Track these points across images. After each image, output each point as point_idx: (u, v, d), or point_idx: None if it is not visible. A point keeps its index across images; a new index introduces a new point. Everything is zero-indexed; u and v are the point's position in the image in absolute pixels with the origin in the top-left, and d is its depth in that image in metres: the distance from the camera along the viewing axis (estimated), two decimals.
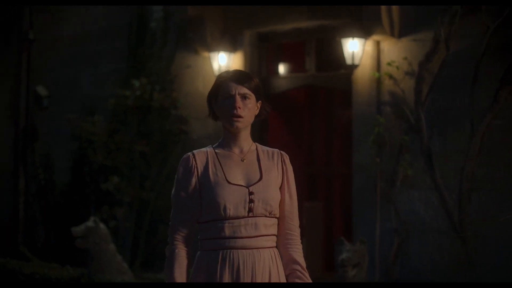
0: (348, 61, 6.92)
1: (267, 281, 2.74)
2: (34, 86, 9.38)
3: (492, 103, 6.28)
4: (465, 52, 6.47)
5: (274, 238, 2.81)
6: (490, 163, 6.34)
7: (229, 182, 2.74)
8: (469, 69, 6.38)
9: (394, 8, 6.80)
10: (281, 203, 2.82)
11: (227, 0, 7.54)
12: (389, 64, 6.82)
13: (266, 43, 8.04)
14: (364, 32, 6.89)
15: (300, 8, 7.39)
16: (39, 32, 9.43)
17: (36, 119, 9.36)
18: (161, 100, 7.99)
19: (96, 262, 6.70)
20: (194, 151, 2.82)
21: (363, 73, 7.02)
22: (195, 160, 2.78)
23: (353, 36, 6.87)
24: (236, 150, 2.82)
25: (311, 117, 9.37)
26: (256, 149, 2.86)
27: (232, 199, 2.71)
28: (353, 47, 6.89)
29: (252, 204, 2.72)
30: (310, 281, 2.81)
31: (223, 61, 7.76)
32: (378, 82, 6.92)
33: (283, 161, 2.86)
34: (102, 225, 6.81)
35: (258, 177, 2.78)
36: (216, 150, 2.82)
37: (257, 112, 2.83)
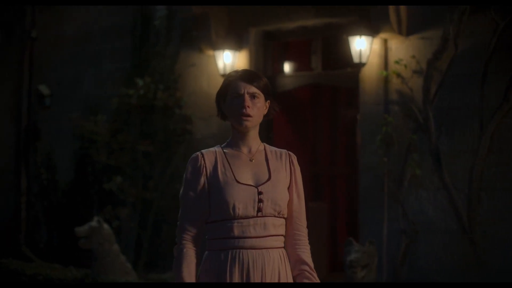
0: (355, 59, 6.85)
1: (276, 281, 2.74)
2: (36, 85, 9.32)
3: (502, 101, 6.21)
4: (474, 50, 6.40)
5: (282, 238, 2.81)
6: (500, 163, 6.27)
7: (238, 182, 2.74)
8: (478, 67, 6.32)
9: (402, 6, 6.72)
10: (289, 203, 2.82)
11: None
12: (397, 62, 6.75)
13: (271, 41, 7.97)
14: (372, 30, 6.81)
15: (307, 6, 7.31)
16: (42, 30, 9.37)
17: (38, 119, 9.30)
18: (165, 99, 7.91)
19: (99, 263, 6.64)
20: (203, 151, 2.81)
21: (371, 72, 6.94)
22: (204, 160, 2.77)
23: (360, 34, 6.79)
24: (244, 149, 2.82)
25: (316, 116, 9.30)
26: (264, 149, 2.86)
27: (241, 199, 2.71)
28: (361, 45, 6.82)
29: (261, 204, 2.73)
30: (318, 281, 2.81)
31: (228, 59, 7.68)
32: (386, 80, 6.85)
33: (291, 162, 2.86)
34: (105, 225, 6.75)
35: (266, 177, 2.78)
36: (224, 150, 2.82)
37: (265, 111, 2.82)
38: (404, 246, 6.65)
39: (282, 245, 2.80)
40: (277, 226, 2.77)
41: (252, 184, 2.75)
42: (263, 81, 2.79)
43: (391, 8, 6.67)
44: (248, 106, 2.74)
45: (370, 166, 6.90)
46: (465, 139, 6.43)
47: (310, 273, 2.80)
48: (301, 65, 8.40)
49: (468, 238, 6.33)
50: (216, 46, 7.74)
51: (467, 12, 6.33)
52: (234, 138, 2.83)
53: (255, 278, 2.70)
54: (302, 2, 7.26)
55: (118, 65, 8.67)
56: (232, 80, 2.78)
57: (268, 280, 2.71)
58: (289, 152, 2.90)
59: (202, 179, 2.76)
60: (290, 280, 2.79)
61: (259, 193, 2.73)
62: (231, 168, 2.76)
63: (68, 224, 7.97)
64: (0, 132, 9.52)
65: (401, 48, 6.81)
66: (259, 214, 2.73)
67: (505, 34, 6.19)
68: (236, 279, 2.70)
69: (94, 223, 6.69)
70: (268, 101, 2.82)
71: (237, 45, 7.73)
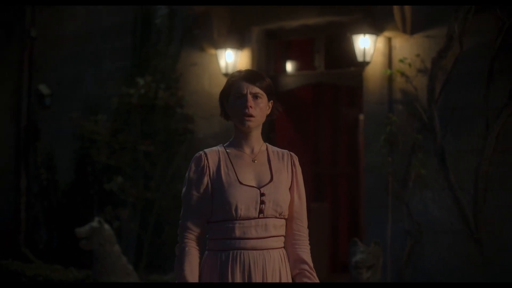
0: (359, 58, 6.78)
1: (277, 281, 2.78)
2: (36, 85, 9.28)
3: (508, 100, 6.14)
4: (480, 48, 6.33)
5: (283, 238, 2.84)
6: (506, 162, 6.20)
7: (241, 183, 2.76)
8: (484, 66, 6.24)
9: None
10: (290, 204, 2.85)
11: None
12: (401, 61, 6.68)
13: (274, 40, 7.89)
14: (376, 28, 6.74)
15: (309, 2, 7.24)
16: (42, 30, 9.33)
17: (38, 118, 9.26)
18: (166, 99, 7.84)
19: (100, 264, 6.58)
20: (206, 150, 2.83)
21: (374, 71, 6.87)
22: (207, 160, 2.80)
23: (364, 33, 6.72)
24: (247, 150, 2.84)
25: (319, 116, 9.25)
26: (267, 149, 2.88)
27: (243, 200, 2.73)
28: (364, 44, 6.75)
29: (263, 205, 2.75)
30: (317, 281, 2.84)
31: (230, 58, 7.61)
32: (390, 79, 6.78)
33: (292, 163, 2.89)
34: (106, 226, 6.69)
35: (269, 178, 2.81)
36: (227, 150, 2.84)
37: (268, 111, 2.85)
38: (408, 247, 6.58)
39: (282, 245, 2.84)
40: (278, 227, 2.80)
41: (254, 185, 2.77)
42: (266, 81, 2.81)
43: (396, 6, 6.60)
44: (251, 106, 2.76)
45: (374, 166, 6.83)
46: (471, 138, 6.36)
47: (310, 273, 2.83)
48: (304, 64, 8.34)
49: (474, 239, 6.26)
50: (218, 45, 7.67)
51: (472, 10, 6.26)
52: (236, 138, 2.85)
53: (257, 279, 2.73)
54: (304, 1, 7.19)
55: (119, 65, 8.61)
56: (235, 80, 2.80)
57: (269, 280, 2.74)
58: (291, 152, 2.92)
59: (205, 179, 2.78)
60: (290, 280, 2.82)
61: (261, 194, 2.76)
62: (234, 168, 2.79)
63: (68, 225, 7.94)
64: None
65: (405, 46, 6.74)
66: (261, 215, 2.75)
67: (511, 33, 6.11)
68: (238, 279, 2.72)
69: (95, 223, 6.63)
70: (271, 101, 2.84)
71: (239, 44, 7.65)
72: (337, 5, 7.05)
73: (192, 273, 2.74)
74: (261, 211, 2.75)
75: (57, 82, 9.19)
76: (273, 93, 2.84)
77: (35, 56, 9.35)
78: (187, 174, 2.82)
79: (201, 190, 2.78)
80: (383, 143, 6.65)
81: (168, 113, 7.95)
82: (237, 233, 2.74)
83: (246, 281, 2.72)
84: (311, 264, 2.85)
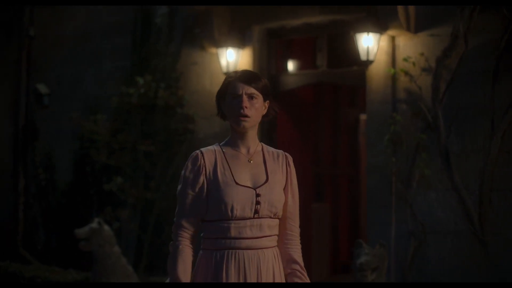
0: (363, 57, 6.70)
1: (271, 279, 2.82)
2: (34, 84, 9.22)
3: None
4: (485, 47, 6.25)
5: (276, 238, 2.89)
6: (511, 163, 6.11)
7: (237, 183, 2.80)
8: (489, 65, 6.16)
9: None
10: (284, 204, 2.89)
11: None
12: (405, 60, 6.60)
13: (275, 39, 7.81)
14: (379, 27, 6.66)
15: (312, 1, 7.16)
16: (41, 29, 9.28)
17: (37, 118, 9.20)
18: (166, 98, 7.78)
19: (100, 266, 6.50)
20: (202, 149, 2.87)
21: (378, 70, 6.79)
22: (204, 159, 2.83)
23: (368, 31, 6.64)
24: (243, 150, 2.88)
25: (321, 116, 9.18)
26: (262, 149, 2.93)
27: (239, 200, 2.77)
28: (368, 43, 6.66)
29: (259, 206, 2.80)
30: (308, 281, 2.91)
31: (231, 57, 7.53)
32: (394, 78, 6.70)
33: (287, 163, 2.93)
34: (106, 227, 6.62)
35: (264, 179, 2.85)
36: (223, 149, 2.88)
37: (264, 112, 2.89)
38: (412, 248, 6.51)
39: (276, 244, 2.89)
40: (272, 226, 2.85)
41: (250, 186, 2.81)
42: (262, 82, 2.85)
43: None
44: (246, 107, 2.80)
45: (378, 166, 6.75)
46: (476, 138, 6.28)
47: (301, 273, 2.90)
48: (306, 63, 8.27)
49: (479, 240, 6.18)
50: (219, 44, 7.59)
51: (478, 9, 6.18)
52: (233, 137, 2.89)
53: (252, 277, 2.77)
54: (305, 1, 7.11)
55: (119, 64, 8.55)
56: (231, 81, 2.84)
57: (264, 279, 2.79)
58: (286, 153, 2.97)
59: (201, 178, 2.82)
60: (283, 278, 2.89)
61: (257, 195, 2.80)
62: (230, 169, 2.83)
63: (67, 226, 7.90)
64: None
65: (409, 45, 6.67)
66: (256, 215, 2.80)
67: None
68: (233, 278, 2.76)
69: (94, 224, 6.56)
70: (268, 101, 2.88)
71: (240, 43, 7.57)
72: (339, 5, 6.97)
73: (184, 272, 2.78)
74: (256, 211, 2.79)
75: (57, 82, 9.13)
76: (269, 93, 2.87)
77: (34, 56, 9.29)
78: (183, 172, 2.85)
79: (197, 189, 2.81)
80: (386, 143, 6.58)
81: (168, 113, 7.89)
82: (232, 232, 2.77)
83: (241, 280, 2.76)
84: (302, 264, 2.92)
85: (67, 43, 9.11)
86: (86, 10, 8.98)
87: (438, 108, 6.39)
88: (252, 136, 2.88)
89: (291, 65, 8.36)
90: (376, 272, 5.25)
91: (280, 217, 2.88)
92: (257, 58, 7.67)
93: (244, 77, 2.84)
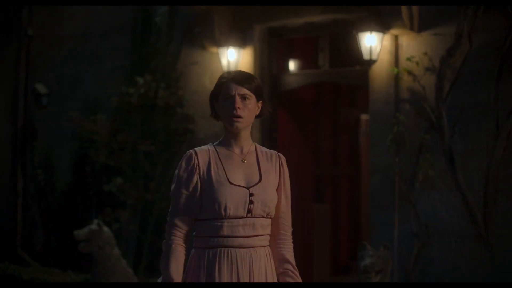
0: (366, 56, 6.63)
1: (264, 278, 2.85)
2: (33, 84, 9.17)
3: None
4: (489, 46, 6.18)
5: (268, 237, 2.92)
6: None
7: (230, 183, 2.83)
8: (493, 64, 6.10)
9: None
10: (277, 204, 2.92)
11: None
12: (408, 59, 6.54)
13: (277, 38, 7.75)
14: (382, 26, 6.60)
15: (314, 1, 7.09)
16: (39, 28, 9.24)
17: (35, 118, 9.16)
18: (166, 98, 7.72)
19: (100, 268, 6.42)
20: (196, 149, 2.90)
21: (381, 69, 6.73)
22: (198, 158, 2.86)
23: (370, 30, 6.57)
24: (236, 150, 2.91)
25: (322, 116, 9.13)
26: (256, 149, 2.96)
27: (232, 199, 2.80)
28: (371, 42, 6.60)
29: (252, 205, 2.83)
30: (300, 280, 2.95)
31: (232, 57, 7.46)
32: (397, 78, 6.65)
33: (280, 164, 2.96)
34: (106, 229, 6.55)
35: (257, 178, 2.88)
36: (217, 149, 2.91)
37: (258, 112, 2.92)
38: (416, 250, 6.45)
39: (268, 243, 2.92)
40: (265, 226, 2.88)
41: (243, 185, 2.84)
42: (255, 82, 2.88)
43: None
44: (239, 107, 2.83)
45: (380, 167, 6.69)
46: (480, 138, 6.23)
47: (293, 272, 2.94)
48: (307, 63, 8.21)
49: (483, 241, 6.12)
50: (220, 43, 7.52)
51: (482, 8, 6.12)
52: (226, 138, 2.91)
53: (244, 276, 2.80)
54: (307, 1, 7.05)
55: (118, 64, 8.50)
56: (224, 82, 2.88)
57: (256, 277, 2.82)
58: (279, 153, 3.00)
59: (195, 178, 2.84)
60: (275, 277, 2.92)
61: (250, 194, 2.83)
62: (224, 168, 2.86)
63: (66, 227, 7.84)
64: None
65: (412, 44, 6.60)
66: (249, 215, 2.83)
67: None
68: (225, 277, 2.79)
69: (94, 226, 6.49)
70: (261, 101, 2.91)
71: (241, 42, 7.51)
72: (341, 4, 6.91)
73: (177, 270, 2.81)
74: (249, 210, 2.82)
75: (56, 82, 9.09)
76: (262, 94, 2.90)
77: (33, 55, 9.25)
78: (177, 171, 2.88)
79: (191, 188, 2.84)
80: (389, 143, 6.53)
81: (168, 113, 7.83)
82: (225, 231, 2.80)
83: (234, 278, 2.79)
84: (294, 264, 2.95)
85: (66, 42, 9.07)
86: (85, 9, 8.92)
87: (442, 108, 6.33)
88: (246, 136, 2.91)
89: (292, 65, 8.31)
90: (380, 275, 5.19)
91: (272, 216, 2.91)
92: (258, 57, 7.61)
93: (237, 78, 2.86)
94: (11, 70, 9.30)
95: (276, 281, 2.93)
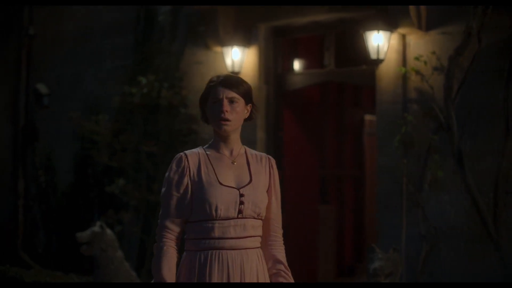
0: (373, 55, 6.54)
1: (255, 280, 2.88)
2: (34, 84, 9.16)
3: None
4: (499, 45, 6.09)
5: (260, 239, 2.95)
6: None
7: (221, 184, 2.86)
8: (503, 63, 6.00)
9: None
10: (268, 205, 2.96)
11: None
12: (416, 58, 6.44)
13: (282, 37, 7.67)
14: (390, 24, 6.51)
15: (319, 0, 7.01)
16: (40, 27, 9.22)
17: (37, 118, 9.15)
18: (170, 98, 7.68)
19: (102, 270, 6.33)
20: (186, 152, 2.94)
21: (388, 69, 6.64)
22: (188, 161, 2.90)
23: (378, 29, 6.48)
24: (226, 152, 2.95)
25: (327, 116, 9.06)
26: (245, 152, 2.99)
27: (223, 200, 2.84)
28: (378, 41, 6.50)
29: (242, 205, 2.86)
30: (292, 280, 2.98)
31: (237, 56, 7.37)
32: (404, 78, 6.56)
33: (270, 166, 3.00)
34: (108, 231, 6.46)
35: (248, 179, 2.92)
36: (207, 152, 2.95)
37: (247, 115, 2.96)
38: (424, 252, 6.36)
39: (259, 245, 2.94)
40: (256, 227, 2.91)
41: (234, 186, 2.88)
42: (244, 86, 2.92)
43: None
44: (227, 111, 2.87)
45: (388, 168, 6.60)
46: (490, 139, 6.13)
47: (286, 273, 2.97)
48: (313, 62, 8.13)
49: (493, 244, 6.02)
50: (224, 43, 7.44)
51: (491, 6, 6.01)
52: (216, 141, 2.96)
53: (235, 278, 2.83)
54: (312, 0, 6.96)
55: (120, 63, 8.46)
56: (213, 85, 2.92)
57: (247, 280, 2.85)
58: (269, 156, 3.04)
59: (186, 180, 2.88)
60: (267, 279, 2.95)
61: (241, 195, 2.87)
62: (214, 170, 2.89)
63: (68, 228, 7.79)
64: None
65: (420, 43, 6.51)
66: (240, 215, 2.86)
67: None
68: (216, 279, 2.81)
69: (96, 228, 6.40)
70: (250, 105, 2.95)
71: (246, 42, 7.43)
72: (347, 5, 6.82)
73: (170, 273, 2.82)
74: (240, 211, 2.86)
75: (57, 81, 9.07)
76: (251, 97, 2.95)
77: (34, 55, 9.27)
78: (167, 174, 2.92)
79: (181, 191, 2.87)
80: (397, 144, 6.43)
81: (171, 113, 7.79)
82: (216, 232, 2.84)
83: (225, 280, 2.82)
84: (286, 264, 2.99)
85: (67, 41, 9.04)
86: (86, 8, 8.89)
87: (450, 108, 6.22)
88: (235, 139, 2.95)
89: (297, 64, 8.23)
90: (390, 278, 5.08)
91: (263, 218, 2.95)
92: (263, 57, 7.55)
93: (225, 81, 2.90)
94: (12, 69, 9.31)
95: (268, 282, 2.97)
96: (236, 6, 7.47)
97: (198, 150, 2.96)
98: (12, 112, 9.22)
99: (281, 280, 2.96)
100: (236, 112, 2.89)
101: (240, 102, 2.90)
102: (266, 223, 2.98)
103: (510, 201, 6.00)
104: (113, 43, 8.58)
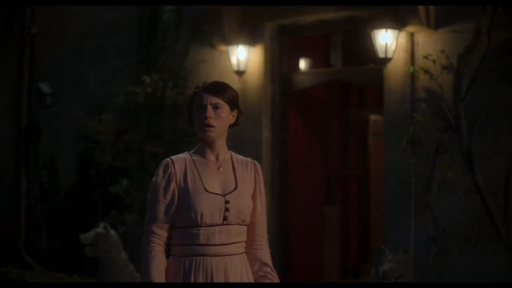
0: (381, 54, 6.47)
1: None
2: (37, 83, 9.10)
3: None
4: (509, 43, 6.04)
5: (244, 244, 2.99)
6: None
7: (206, 190, 2.89)
8: None
9: None
10: (253, 210, 3.00)
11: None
12: (425, 57, 6.38)
13: (288, 36, 7.61)
14: (398, 23, 6.44)
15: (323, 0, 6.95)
16: (43, 26, 9.15)
17: (39, 118, 9.08)
18: (174, 97, 7.62)
19: (106, 272, 6.27)
20: (173, 157, 2.97)
21: (396, 68, 6.58)
22: (174, 167, 2.92)
23: (386, 28, 6.41)
24: (212, 158, 2.97)
25: (332, 116, 9.00)
26: (231, 157, 3.02)
27: (208, 207, 2.87)
28: (386, 39, 6.43)
29: (227, 212, 2.89)
30: (278, 281, 3.01)
31: (242, 55, 7.31)
32: (413, 77, 6.50)
33: (256, 171, 3.03)
34: (112, 232, 6.40)
35: (233, 186, 2.95)
36: (193, 158, 2.97)
37: (232, 121, 2.98)
38: (433, 254, 6.28)
39: (243, 250, 2.98)
40: (240, 233, 2.95)
41: (219, 192, 2.91)
42: (229, 92, 2.94)
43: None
44: (210, 117, 2.89)
45: (395, 169, 6.53)
46: (500, 139, 6.08)
47: (272, 275, 3.00)
48: (319, 61, 8.07)
49: (504, 246, 5.94)
50: (229, 41, 7.38)
51: (502, 3, 5.93)
52: (202, 146, 2.98)
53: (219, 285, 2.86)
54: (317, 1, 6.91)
55: (124, 62, 8.39)
56: (197, 92, 2.95)
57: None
58: (254, 161, 3.07)
59: (172, 186, 2.90)
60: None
61: (226, 202, 2.90)
62: (200, 176, 2.91)
63: (71, 229, 7.76)
64: None
65: (429, 42, 6.45)
66: (225, 222, 2.90)
67: None
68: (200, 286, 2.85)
69: (100, 229, 6.34)
70: (236, 110, 2.98)
71: (251, 40, 7.38)
72: (354, 5, 6.76)
73: (159, 277, 2.85)
74: (225, 218, 2.89)
75: (60, 81, 9.01)
76: (236, 103, 2.97)
77: (36, 54, 9.18)
78: (153, 179, 2.94)
79: (168, 196, 2.90)
80: (405, 144, 6.35)
81: (175, 112, 7.72)
82: (201, 239, 2.87)
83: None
84: (272, 266, 3.03)
85: (70, 40, 9.00)
86: (89, 6, 8.85)
87: (460, 107, 6.14)
88: (221, 144, 2.97)
89: (303, 63, 8.18)
90: (399, 280, 5.00)
91: (248, 224, 2.98)
92: (269, 56, 7.49)
93: (209, 88, 2.92)
94: (14, 69, 9.24)
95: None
96: (241, 5, 7.40)
97: (185, 155, 2.98)
98: (15, 112, 9.17)
99: (267, 281, 2.99)
100: (220, 118, 2.91)
101: (225, 108, 2.92)
102: (251, 228, 3.01)
103: None
104: (117, 42, 8.54)
